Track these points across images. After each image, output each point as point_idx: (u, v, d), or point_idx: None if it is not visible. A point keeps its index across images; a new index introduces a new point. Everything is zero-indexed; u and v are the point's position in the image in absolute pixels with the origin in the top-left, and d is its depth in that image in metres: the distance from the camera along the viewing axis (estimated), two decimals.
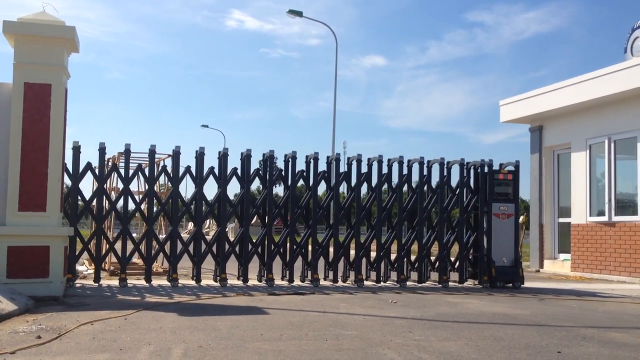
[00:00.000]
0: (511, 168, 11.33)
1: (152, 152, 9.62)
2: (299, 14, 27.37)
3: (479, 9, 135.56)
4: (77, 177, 9.25)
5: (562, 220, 15.67)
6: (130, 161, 9.79)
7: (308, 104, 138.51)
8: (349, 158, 10.71)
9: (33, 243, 7.68)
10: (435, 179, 11.13)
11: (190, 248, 9.82)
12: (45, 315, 6.40)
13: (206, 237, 10.63)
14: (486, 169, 11.17)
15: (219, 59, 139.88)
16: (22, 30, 7.81)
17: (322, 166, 10.62)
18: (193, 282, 9.74)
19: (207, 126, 59.46)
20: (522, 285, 10.84)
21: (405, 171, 10.91)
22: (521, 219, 21.98)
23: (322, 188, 10.93)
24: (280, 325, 6.08)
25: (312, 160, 10.41)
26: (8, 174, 7.69)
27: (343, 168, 10.80)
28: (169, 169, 9.83)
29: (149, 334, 5.45)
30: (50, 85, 7.88)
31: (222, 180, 9.92)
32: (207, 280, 10.09)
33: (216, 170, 9.95)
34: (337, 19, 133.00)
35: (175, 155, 9.75)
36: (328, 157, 10.75)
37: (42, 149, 7.79)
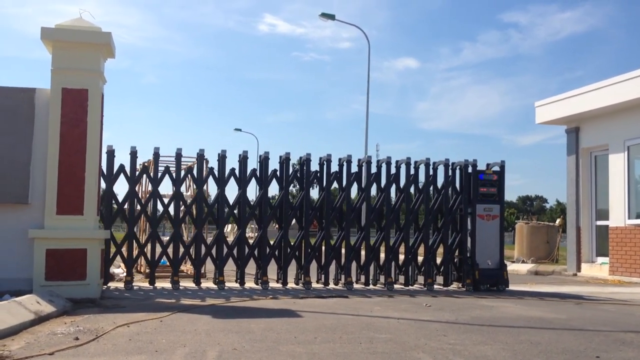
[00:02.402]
0: (497, 168, 11.06)
1: (178, 155, 9.79)
2: (331, 17, 27.38)
3: (513, 9, 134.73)
4: (111, 179, 9.42)
5: (600, 223, 15.38)
6: (161, 164, 10.00)
7: (341, 106, 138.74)
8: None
9: (71, 246, 7.81)
10: (424, 180, 11.02)
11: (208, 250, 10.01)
12: (82, 317, 6.50)
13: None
14: (470, 169, 10.94)
15: (251, 62, 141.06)
16: (60, 37, 7.95)
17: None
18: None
19: (240, 130, 59.58)
20: (506, 288, 10.64)
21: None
22: (557, 221, 21.72)
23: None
24: (314, 328, 6.08)
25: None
26: (46, 178, 7.84)
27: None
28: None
29: (184, 336, 5.50)
30: (87, 90, 8.01)
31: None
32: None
33: (237, 172, 10.07)
34: (369, 22, 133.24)
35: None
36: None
37: (79, 153, 7.92)
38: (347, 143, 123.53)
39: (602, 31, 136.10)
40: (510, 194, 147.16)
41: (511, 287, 10.96)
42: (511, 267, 17.54)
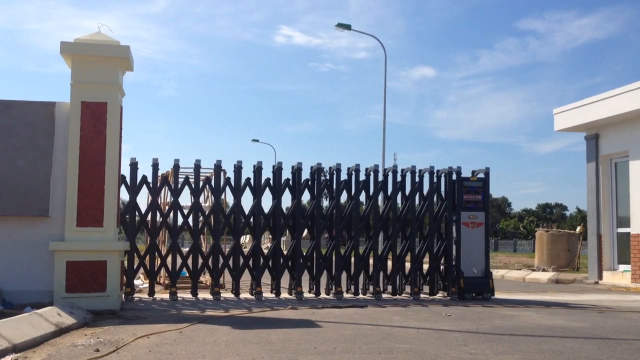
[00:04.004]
0: (481, 175, 10.95)
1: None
2: (347, 27, 27.42)
3: (530, 17, 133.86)
4: (134, 191, 9.50)
5: (621, 230, 15.20)
6: (181, 176, 10.09)
7: (358, 116, 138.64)
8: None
9: (91, 258, 7.86)
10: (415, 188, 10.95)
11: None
12: (103, 328, 6.53)
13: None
14: (454, 176, 10.82)
15: (268, 74, 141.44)
16: (79, 51, 8.05)
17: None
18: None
19: (257, 140, 59.79)
20: (492, 297, 10.53)
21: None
22: (578, 229, 21.50)
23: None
24: (333, 339, 6.06)
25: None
26: (66, 191, 7.91)
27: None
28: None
29: (203, 347, 5.50)
30: (106, 103, 8.09)
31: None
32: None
33: (252, 182, 10.14)
34: (385, 31, 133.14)
35: (217, 169, 10.03)
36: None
37: (98, 165, 7.99)
38: (364, 153, 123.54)
39: (621, 37, 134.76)
40: (530, 202, 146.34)
41: (498, 295, 10.87)
42: (531, 275, 17.41)
